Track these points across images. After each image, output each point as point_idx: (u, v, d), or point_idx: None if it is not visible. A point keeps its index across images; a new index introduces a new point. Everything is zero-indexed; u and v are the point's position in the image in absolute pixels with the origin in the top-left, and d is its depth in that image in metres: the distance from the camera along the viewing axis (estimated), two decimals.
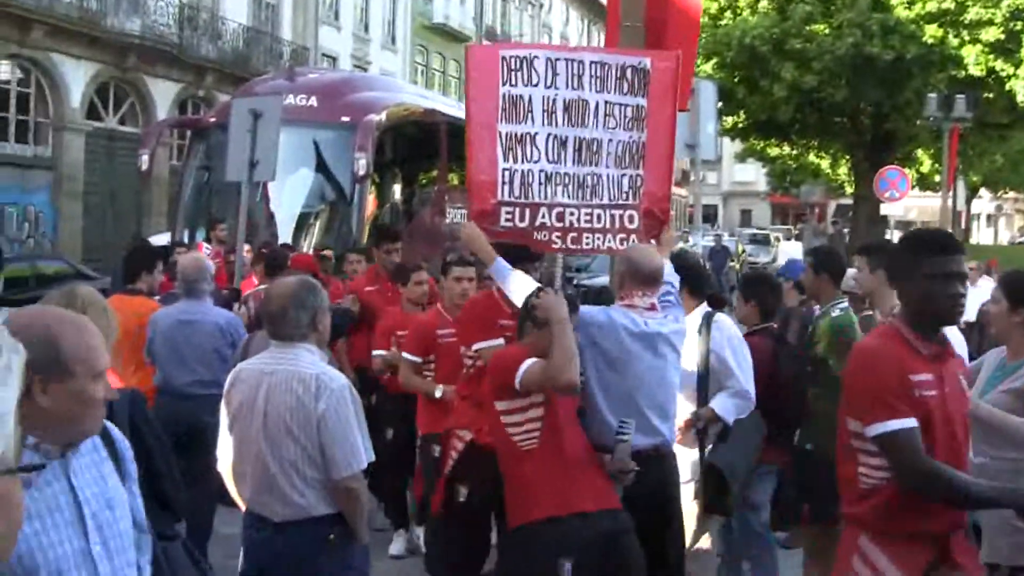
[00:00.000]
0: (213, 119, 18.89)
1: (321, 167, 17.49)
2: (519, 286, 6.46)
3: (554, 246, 7.27)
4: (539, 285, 6.29)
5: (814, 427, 7.78)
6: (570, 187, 7.23)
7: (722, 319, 7.32)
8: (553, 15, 72.06)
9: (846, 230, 47.44)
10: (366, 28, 49.25)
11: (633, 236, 7.28)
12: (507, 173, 7.08)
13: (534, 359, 5.53)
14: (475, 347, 7.00)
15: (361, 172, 15.87)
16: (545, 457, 5.62)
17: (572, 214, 7.22)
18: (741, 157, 57.77)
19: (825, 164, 57.16)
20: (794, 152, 52.66)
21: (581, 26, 76.51)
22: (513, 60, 7.17)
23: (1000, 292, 5.82)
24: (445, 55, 56.30)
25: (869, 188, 32.94)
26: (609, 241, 7.29)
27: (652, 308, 6.32)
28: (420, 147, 19.96)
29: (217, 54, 37.44)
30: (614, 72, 7.33)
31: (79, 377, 3.13)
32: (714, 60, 39.21)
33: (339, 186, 17.29)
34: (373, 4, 49.56)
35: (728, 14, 41.32)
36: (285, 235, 16.60)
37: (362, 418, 5.27)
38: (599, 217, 7.31)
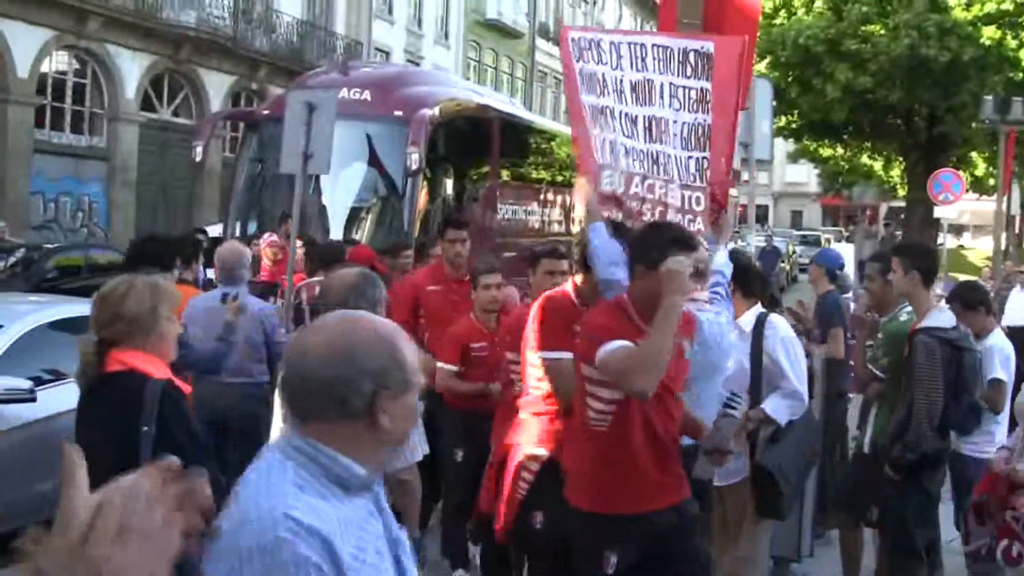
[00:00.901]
0: (267, 112, 18.95)
1: (373, 161, 17.49)
2: (609, 256, 6.15)
3: (643, 217, 7.25)
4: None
5: (880, 430, 7.72)
6: (645, 162, 7.29)
7: (776, 320, 7.24)
8: (607, 13, 71.90)
9: (898, 233, 47.09)
10: (419, 23, 49.31)
11: (699, 218, 7.24)
12: (598, 139, 7.27)
13: (623, 344, 5.05)
14: (543, 355, 6.30)
15: (414, 167, 15.84)
16: (611, 445, 5.28)
17: (661, 188, 7.27)
18: (793, 158, 57.41)
19: (878, 166, 56.73)
20: (847, 153, 52.30)
21: (634, 24, 76.29)
22: (581, 40, 7.41)
23: None
24: (498, 51, 56.29)
25: (922, 191, 32.69)
26: (679, 220, 7.24)
27: (707, 302, 6.26)
28: (472, 142, 19.93)
29: (271, 47, 37.61)
30: (676, 55, 7.35)
31: (413, 390, 2.76)
32: (768, 59, 38.99)
33: (391, 181, 17.29)
34: None
35: (783, 13, 41.10)
36: (337, 229, 16.63)
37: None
38: (673, 194, 7.31)
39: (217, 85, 36.28)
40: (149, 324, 4.79)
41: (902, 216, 50.55)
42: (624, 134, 7.27)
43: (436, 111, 17.27)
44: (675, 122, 7.30)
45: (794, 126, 43.98)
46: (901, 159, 48.24)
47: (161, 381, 4.72)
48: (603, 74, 7.29)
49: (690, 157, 7.30)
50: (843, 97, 38.50)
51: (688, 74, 7.31)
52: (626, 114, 7.29)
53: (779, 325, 7.17)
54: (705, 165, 7.27)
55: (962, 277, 16.79)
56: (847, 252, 38.33)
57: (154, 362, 4.80)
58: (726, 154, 7.39)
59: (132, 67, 32.87)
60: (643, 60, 7.33)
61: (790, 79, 39.47)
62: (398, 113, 16.93)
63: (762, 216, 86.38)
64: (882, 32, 37.64)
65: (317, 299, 7.98)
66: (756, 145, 12.68)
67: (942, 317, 7.29)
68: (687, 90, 7.30)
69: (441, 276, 9.53)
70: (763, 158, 13.31)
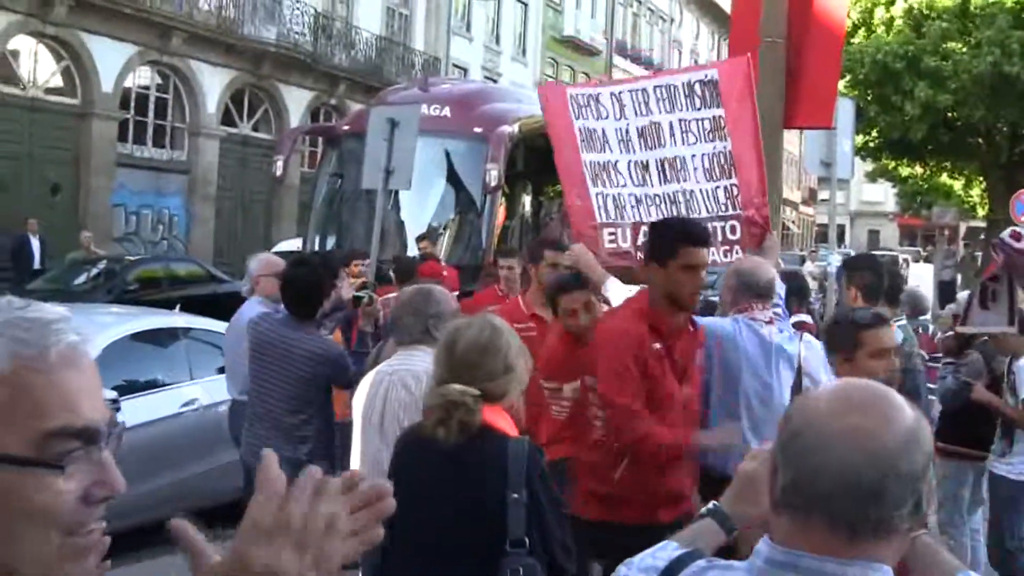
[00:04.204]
0: (347, 127, 19.05)
1: (452, 178, 17.51)
2: None
3: None
4: None
5: None
6: (662, 207, 7.25)
7: (812, 338, 7.04)
8: (684, 30, 71.72)
9: (978, 254, 46.48)
10: (497, 40, 49.46)
11: (736, 247, 7.18)
12: (600, 197, 7.26)
13: None
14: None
15: (492, 184, 15.84)
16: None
17: None
18: (872, 177, 56.80)
19: (958, 186, 56.05)
20: (926, 173, 51.71)
21: (712, 42, 76.03)
22: (580, 97, 7.42)
23: None
24: (575, 68, 56.28)
25: (1004, 211, 32.19)
26: (712, 255, 7.18)
27: (771, 322, 6.18)
28: (550, 160, 19.85)
29: (350, 63, 37.89)
30: (681, 91, 7.37)
31: None
32: (847, 77, 38.66)
33: (470, 197, 17.29)
34: (504, 16, 49.80)
35: (862, 31, 40.74)
36: (415, 245, 16.68)
37: None
38: None
39: (296, 100, 36.61)
40: (521, 376, 4.46)
41: (982, 237, 49.92)
42: (635, 183, 7.22)
43: (515, 128, 17.25)
44: (693, 156, 7.28)
45: (872, 145, 43.54)
46: (981, 178, 47.62)
47: (524, 441, 4.32)
48: (603, 129, 7.27)
49: (717, 187, 7.28)
50: (923, 115, 38.07)
51: (698, 105, 7.32)
52: (636, 162, 7.25)
53: (816, 343, 7.00)
54: (736, 192, 7.24)
55: None
56: (927, 273, 37.99)
57: (504, 416, 4.42)
58: (756, 176, 7.34)
59: (213, 82, 33.27)
60: (646, 104, 7.33)
61: (869, 97, 39.09)
62: (477, 130, 16.94)
63: (839, 235, 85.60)
64: (963, 49, 37.20)
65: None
66: (837, 164, 12.59)
67: None
68: (700, 121, 7.30)
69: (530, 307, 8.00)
70: (844, 177, 13.19)
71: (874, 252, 64.37)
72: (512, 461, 4.14)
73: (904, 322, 8.17)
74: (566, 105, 7.36)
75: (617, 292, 6.55)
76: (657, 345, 5.46)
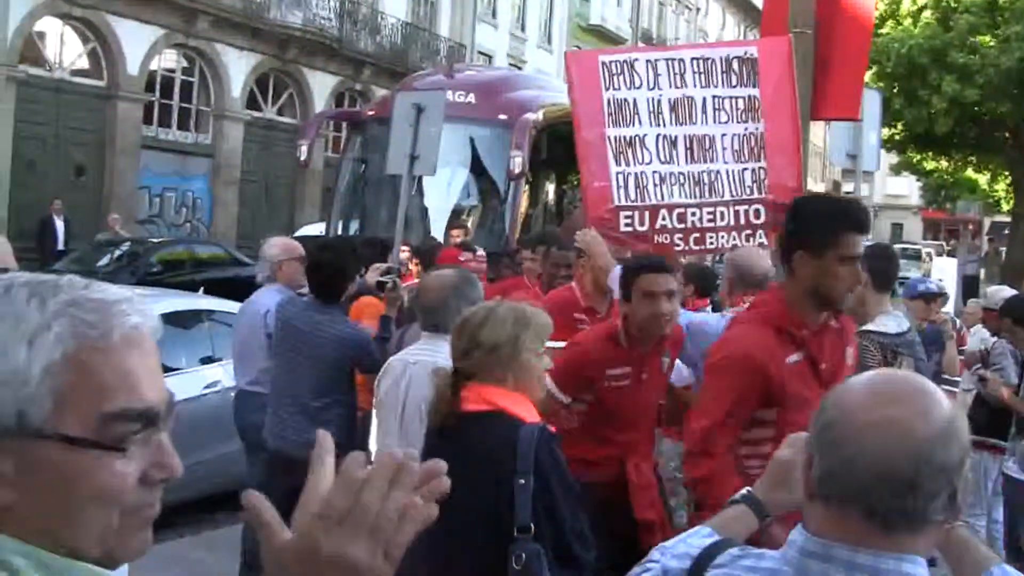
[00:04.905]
0: (372, 112, 19.06)
1: (476, 164, 17.50)
2: None
3: (676, 248, 7.15)
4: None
5: None
6: (686, 186, 7.13)
7: None
8: (710, 19, 71.45)
9: (1002, 248, 46.20)
10: (522, 27, 49.38)
11: (760, 231, 7.10)
12: (621, 177, 7.06)
13: None
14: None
15: (516, 170, 15.84)
16: None
17: (694, 214, 7.12)
18: (896, 170, 56.47)
19: (983, 180, 55.73)
20: (951, 167, 51.38)
21: (737, 31, 75.72)
22: (613, 65, 7.18)
23: None
24: None
25: None
26: (734, 239, 7.12)
27: None
28: (574, 147, 19.82)
29: (375, 48, 37.89)
30: (718, 66, 7.23)
31: None
32: (873, 69, 38.40)
33: (494, 184, 17.29)
34: (530, 3, 49.73)
35: (890, 23, 40.47)
36: (438, 231, 16.66)
37: None
38: (722, 215, 7.17)
39: (321, 85, 36.63)
40: (508, 355, 4.22)
41: (1006, 232, 49.65)
42: (661, 159, 7.09)
43: (540, 115, 17.23)
44: (723, 135, 7.15)
45: (897, 138, 43.25)
46: (1007, 173, 47.30)
47: (535, 426, 4.16)
48: (635, 99, 7.12)
49: (745, 169, 7.15)
50: (949, 109, 37.81)
51: (734, 83, 7.18)
52: (664, 136, 7.11)
53: None
54: (763, 176, 7.13)
55: None
56: (950, 267, 37.79)
57: (521, 402, 4.26)
58: (792, 161, 7.24)
59: (239, 66, 33.32)
60: (681, 76, 7.17)
61: (895, 90, 38.82)
62: (502, 117, 16.94)
63: None
64: (991, 43, 36.94)
65: (413, 301, 7.29)
66: (864, 157, 12.51)
67: (888, 322, 7.01)
68: (734, 100, 7.16)
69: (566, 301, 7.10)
70: (870, 170, 13.11)
71: (896, 245, 64.31)
72: (521, 446, 4.03)
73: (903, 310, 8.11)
74: (596, 74, 7.18)
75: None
76: (794, 358, 4.48)
